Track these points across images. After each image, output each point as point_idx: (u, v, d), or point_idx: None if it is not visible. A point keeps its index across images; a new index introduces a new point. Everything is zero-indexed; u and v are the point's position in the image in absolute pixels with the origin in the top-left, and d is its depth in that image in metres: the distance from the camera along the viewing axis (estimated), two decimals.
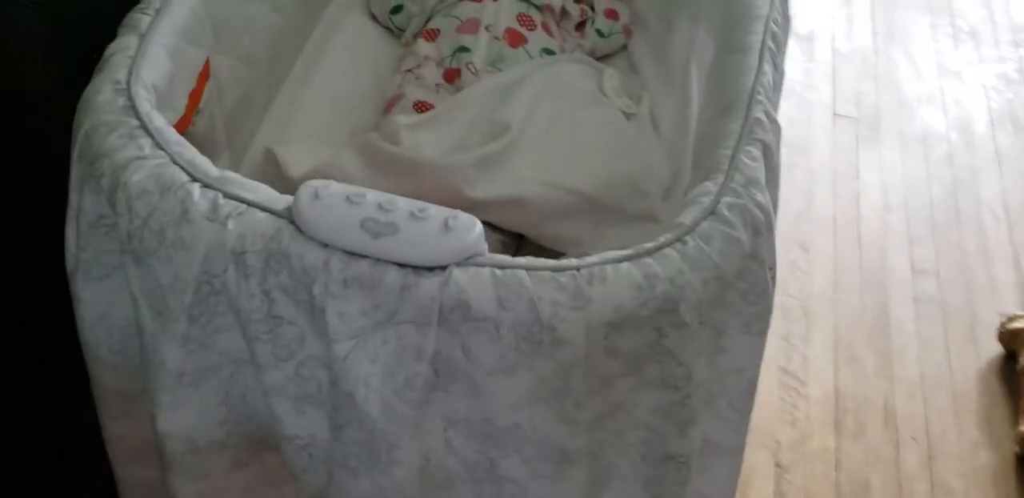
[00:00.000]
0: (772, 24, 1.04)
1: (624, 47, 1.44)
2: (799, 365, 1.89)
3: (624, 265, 0.77)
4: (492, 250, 0.80)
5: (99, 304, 0.88)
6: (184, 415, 0.87)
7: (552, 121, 1.11)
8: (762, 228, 0.84)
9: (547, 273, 0.76)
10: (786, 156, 2.31)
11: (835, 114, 2.40)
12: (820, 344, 1.93)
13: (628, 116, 1.26)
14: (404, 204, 0.78)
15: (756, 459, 1.75)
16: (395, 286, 0.76)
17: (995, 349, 1.86)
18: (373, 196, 0.78)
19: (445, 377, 0.81)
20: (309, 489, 0.90)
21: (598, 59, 1.39)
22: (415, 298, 0.76)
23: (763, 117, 0.91)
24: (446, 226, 0.76)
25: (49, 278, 0.99)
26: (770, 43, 1.01)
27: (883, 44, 2.55)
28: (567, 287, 0.76)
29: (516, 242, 1.12)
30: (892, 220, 2.16)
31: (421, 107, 1.18)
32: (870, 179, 2.24)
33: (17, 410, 1.15)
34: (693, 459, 0.89)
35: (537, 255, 0.83)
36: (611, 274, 0.77)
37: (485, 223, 1.06)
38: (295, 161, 1.08)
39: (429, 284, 0.75)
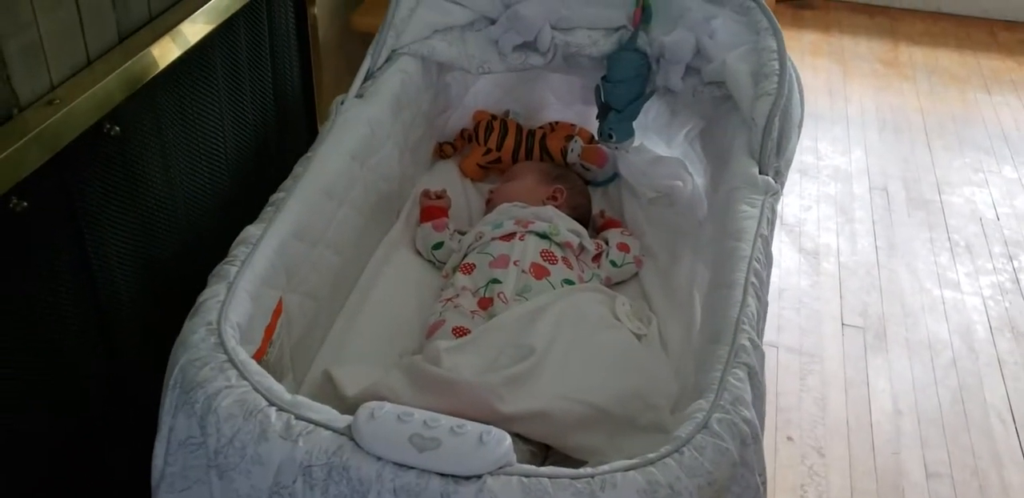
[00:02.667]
0: (755, 263, 1.22)
1: (635, 275, 1.63)
2: None
3: (631, 473, 0.92)
4: (521, 459, 0.94)
5: None
6: None
7: (571, 343, 1.28)
8: (748, 440, 0.97)
9: (566, 480, 0.91)
10: (799, 364, 2.46)
11: (843, 324, 2.52)
12: None
13: (639, 337, 1.43)
14: (446, 421, 0.94)
15: None
16: (436, 494, 0.90)
17: None
18: (420, 415, 0.94)
19: None
20: None
21: (613, 285, 1.58)
22: None
23: (747, 343, 1.07)
24: (481, 440, 0.91)
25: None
26: (753, 279, 1.19)
27: (885, 258, 2.72)
28: (583, 492, 0.90)
29: (543, 451, 1.26)
30: (903, 424, 2.24)
31: (459, 332, 1.36)
32: (880, 385, 2.34)
33: None
34: None
35: (563, 463, 0.96)
36: (620, 481, 0.91)
37: (514, 435, 1.22)
38: (350, 382, 1.24)
39: (467, 492, 0.90)
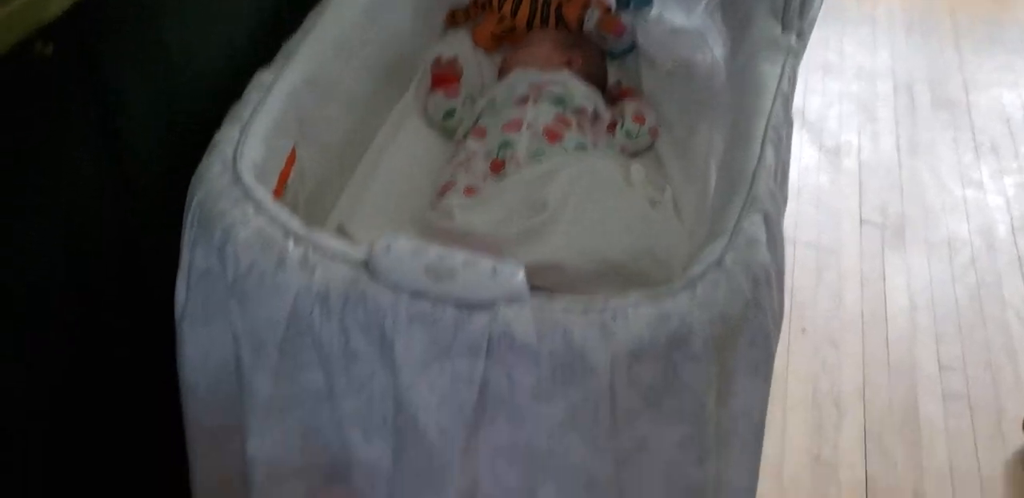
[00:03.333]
0: (774, 118, 1.21)
1: (651, 147, 1.62)
2: (830, 453, 1.96)
3: (643, 305, 0.92)
4: None
5: (201, 346, 1.04)
6: (270, 442, 1.01)
7: (585, 202, 1.28)
8: (762, 281, 0.98)
9: (578, 310, 0.91)
10: (815, 259, 2.46)
11: (862, 221, 2.52)
12: (851, 435, 2.00)
13: (653, 204, 1.42)
14: (460, 255, 0.94)
15: None
16: (452, 322, 0.91)
17: (1021, 442, 1.94)
18: (435, 249, 0.94)
19: (492, 406, 0.95)
20: None
21: (628, 156, 1.57)
22: (468, 332, 0.91)
23: (764, 192, 1.06)
24: (494, 271, 0.92)
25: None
26: (771, 134, 1.17)
27: (907, 157, 2.70)
28: (595, 322, 0.90)
29: None
30: (919, 320, 2.25)
31: (470, 192, 1.36)
32: (897, 281, 2.34)
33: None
34: (711, 491, 1.01)
35: None
36: (632, 312, 0.91)
37: (531, 286, 1.22)
38: (363, 236, 1.25)
39: (480, 319, 0.91)
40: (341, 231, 1.30)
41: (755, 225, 1.01)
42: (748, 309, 0.97)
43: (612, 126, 1.58)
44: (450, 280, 0.91)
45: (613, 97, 1.70)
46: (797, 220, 2.48)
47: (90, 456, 1.19)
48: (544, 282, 1.21)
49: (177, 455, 1.18)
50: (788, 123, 1.28)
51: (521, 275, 0.92)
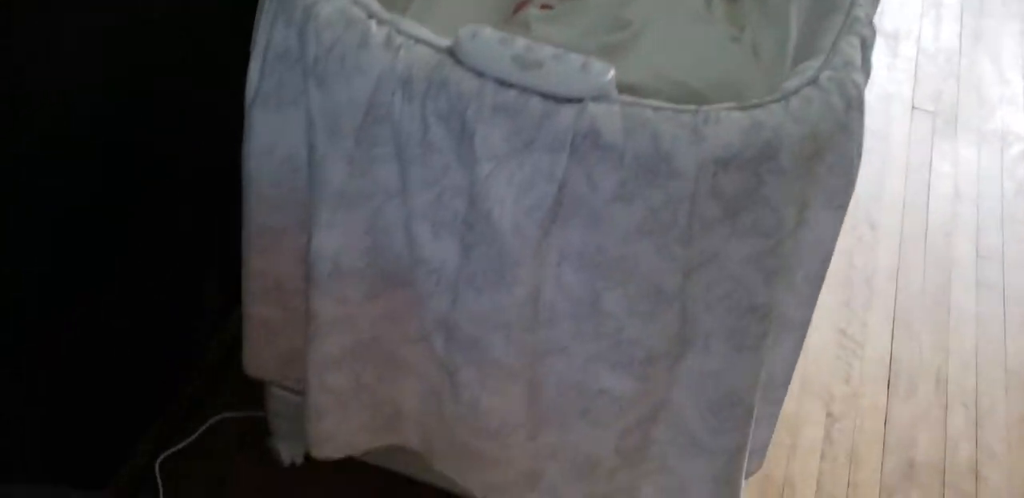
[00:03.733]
0: None
1: None
2: (857, 329, 1.97)
3: (736, 112, 0.89)
4: None
5: (270, 135, 1.01)
6: (336, 236, 1.00)
7: (668, 26, 1.23)
8: (855, 103, 0.94)
9: (669, 112, 0.88)
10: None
11: (914, 107, 2.47)
12: (880, 313, 2.01)
13: (733, 40, 1.37)
14: (549, 48, 0.91)
15: (810, 407, 1.83)
16: (537, 114, 0.88)
17: None
18: (522, 41, 0.91)
19: (569, 206, 0.93)
20: (433, 315, 1.02)
21: None
22: (553, 125, 0.88)
23: (863, 16, 1.02)
24: (585, 66, 0.89)
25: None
26: None
27: (969, 46, 2.62)
28: (686, 124, 0.88)
29: None
30: (961, 209, 2.23)
31: (546, 8, 1.31)
32: (943, 169, 2.31)
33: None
34: (775, 312, 1.00)
35: None
36: (724, 118, 0.88)
37: None
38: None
39: (566, 114, 0.88)
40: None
41: (852, 47, 0.97)
42: (838, 130, 0.94)
43: None
44: (538, 70, 0.88)
45: None
46: None
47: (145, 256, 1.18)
48: None
49: (230, 257, 1.17)
50: None
51: (612, 74, 0.89)
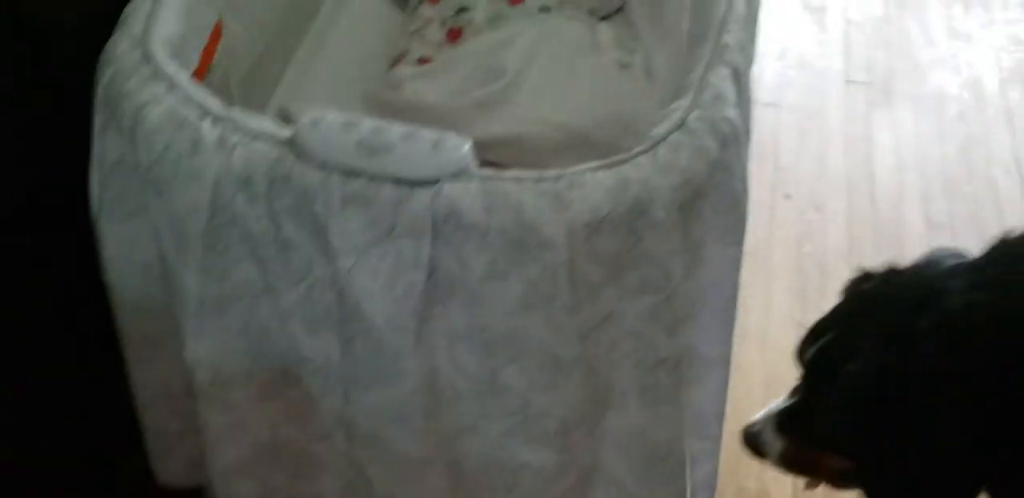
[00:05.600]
0: None
1: (620, 9, 1.50)
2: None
3: (600, 172, 0.84)
4: None
5: (122, 246, 0.96)
6: (209, 344, 0.95)
7: (547, 67, 1.18)
8: (730, 140, 0.89)
9: (531, 182, 0.83)
10: (798, 122, 2.39)
11: (848, 80, 2.43)
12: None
13: (622, 67, 1.32)
14: (397, 127, 0.85)
15: None
16: (391, 201, 0.83)
17: None
18: (369, 122, 0.85)
19: (443, 290, 0.87)
20: (329, 414, 0.97)
21: (596, 18, 1.45)
22: (410, 211, 0.83)
23: (732, 42, 0.97)
24: (437, 144, 0.83)
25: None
26: None
27: (894, 11, 2.58)
28: (547, 193, 0.82)
29: None
30: (906, 178, 2.19)
31: (424, 62, 1.26)
32: (883, 140, 2.28)
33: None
34: (683, 362, 0.95)
35: None
36: (588, 180, 0.83)
37: (488, 162, 1.13)
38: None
39: (422, 197, 0.82)
40: (283, 114, 1.19)
41: (723, 80, 0.92)
42: (715, 172, 0.89)
43: None
44: (386, 155, 0.82)
45: None
46: (781, 82, 2.40)
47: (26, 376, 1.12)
48: (504, 157, 1.13)
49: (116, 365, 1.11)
50: None
51: (467, 148, 0.84)
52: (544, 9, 1.36)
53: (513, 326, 0.89)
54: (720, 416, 1.14)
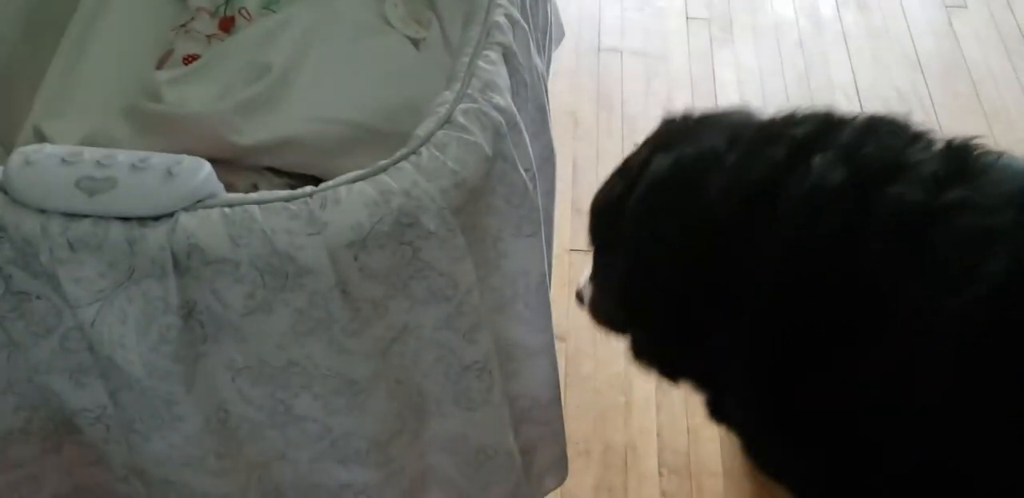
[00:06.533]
0: None
1: None
2: None
3: (358, 185, 0.76)
4: None
5: None
6: None
7: (323, 57, 1.08)
8: (503, 130, 0.82)
9: (279, 204, 0.75)
10: (644, 66, 2.33)
11: (688, 18, 2.40)
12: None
13: (416, 42, 1.23)
14: (124, 157, 0.75)
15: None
16: (121, 241, 0.73)
17: None
18: (91, 154, 0.75)
19: (210, 326, 0.79)
20: (119, 462, 0.89)
21: None
22: (145, 250, 0.74)
23: (503, 20, 0.88)
24: (169, 173, 0.74)
25: None
26: None
27: None
28: (300, 214, 0.74)
29: (312, 184, 1.10)
30: None
31: (190, 61, 1.14)
32: (726, 77, 2.25)
33: None
34: (492, 364, 0.89)
35: None
36: (345, 195, 0.75)
37: (269, 169, 1.04)
38: (63, 136, 1.04)
39: (156, 234, 0.73)
40: (38, 135, 1.07)
41: (492, 64, 0.84)
42: (490, 165, 0.81)
43: None
44: (110, 192, 0.73)
45: None
46: (623, 27, 2.36)
47: None
48: (284, 161, 1.04)
49: None
50: None
51: (205, 173, 0.75)
52: None
53: (293, 355, 0.81)
54: (556, 400, 1.09)
